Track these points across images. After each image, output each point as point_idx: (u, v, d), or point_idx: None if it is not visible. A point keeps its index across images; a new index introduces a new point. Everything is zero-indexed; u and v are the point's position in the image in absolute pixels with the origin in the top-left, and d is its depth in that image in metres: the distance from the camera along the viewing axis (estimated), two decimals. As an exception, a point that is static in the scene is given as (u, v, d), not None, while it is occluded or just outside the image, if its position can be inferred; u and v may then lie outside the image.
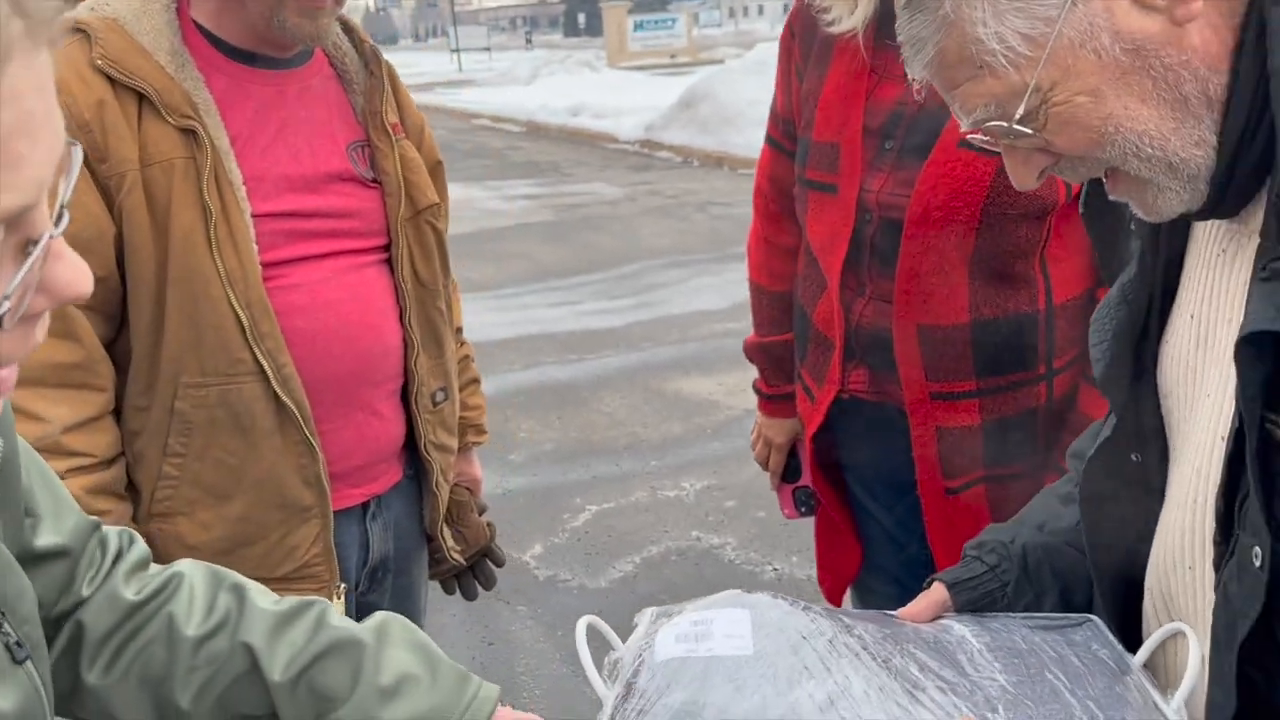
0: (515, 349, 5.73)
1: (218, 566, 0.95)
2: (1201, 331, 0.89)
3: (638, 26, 28.46)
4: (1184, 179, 0.80)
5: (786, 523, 2.02)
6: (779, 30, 1.79)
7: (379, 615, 0.94)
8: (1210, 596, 0.85)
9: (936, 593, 1.09)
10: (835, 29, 1.57)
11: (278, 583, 1.37)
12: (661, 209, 9.30)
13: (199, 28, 1.39)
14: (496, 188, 10.69)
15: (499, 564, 1.84)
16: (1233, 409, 0.80)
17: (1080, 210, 1.01)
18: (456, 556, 1.73)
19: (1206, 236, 0.89)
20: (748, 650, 0.86)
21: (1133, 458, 0.98)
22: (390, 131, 1.51)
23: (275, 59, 1.43)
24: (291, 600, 0.92)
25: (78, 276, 0.52)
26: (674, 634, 0.91)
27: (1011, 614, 1.06)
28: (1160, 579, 0.96)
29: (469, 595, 1.82)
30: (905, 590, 1.18)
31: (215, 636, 0.88)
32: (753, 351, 1.93)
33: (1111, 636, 0.99)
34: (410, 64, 25.95)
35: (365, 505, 1.55)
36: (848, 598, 1.92)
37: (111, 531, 0.92)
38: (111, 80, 1.29)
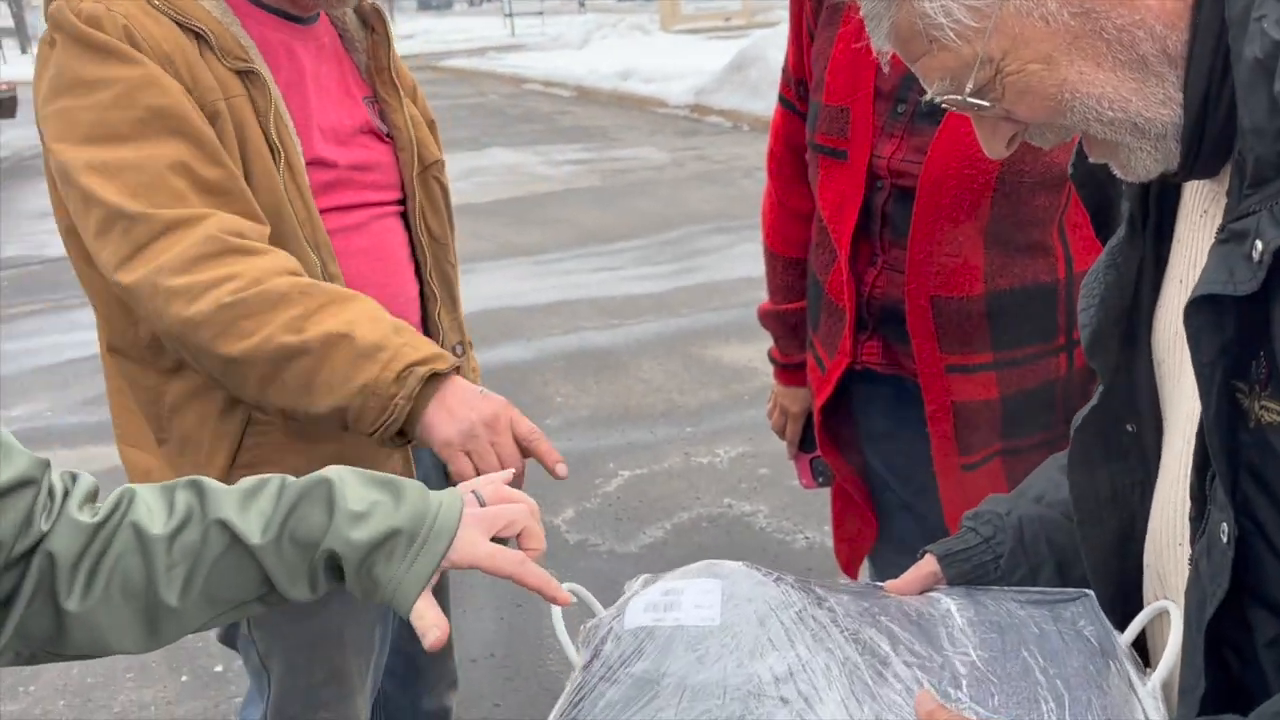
0: (556, 314, 5.73)
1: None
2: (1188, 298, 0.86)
3: (691, -11, 28.08)
4: (1152, 139, 0.78)
5: (819, 492, 2.01)
6: (837, -9, 1.74)
7: (332, 466, 0.97)
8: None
9: (926, 564, 1.08)
10: None
11: None
12: (708, 174, 9.22)
13: None
14: (544, 153, 10.67)
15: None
16: None
17: (1070, 173, 0.98)
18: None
19: (1193, 198, 0.86)
20: (714, 621, 0.86)
21: (1128, 428, 0.95)
22: (398, 86, 1.52)
23: (297, 17, 1.45)
24: (249, 479, 0.95)
25: None
26: (643, 603, 0.91)
27: (1006, 588, 1.04)
28: (1155, 556, 0.94)
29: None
30: (922, 562, 1.16)
31: (185, 529, 0.90)
32: (767, 319, 1.91)
33: (1102, 613, 0.97)
34: (464, 29, 25.95)
35: None
36: (865, 569, 1.90)
37: (55, 472, 0.93)
38: (174, 21, 1.31)
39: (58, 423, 4.69)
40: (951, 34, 0.77)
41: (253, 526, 0.90)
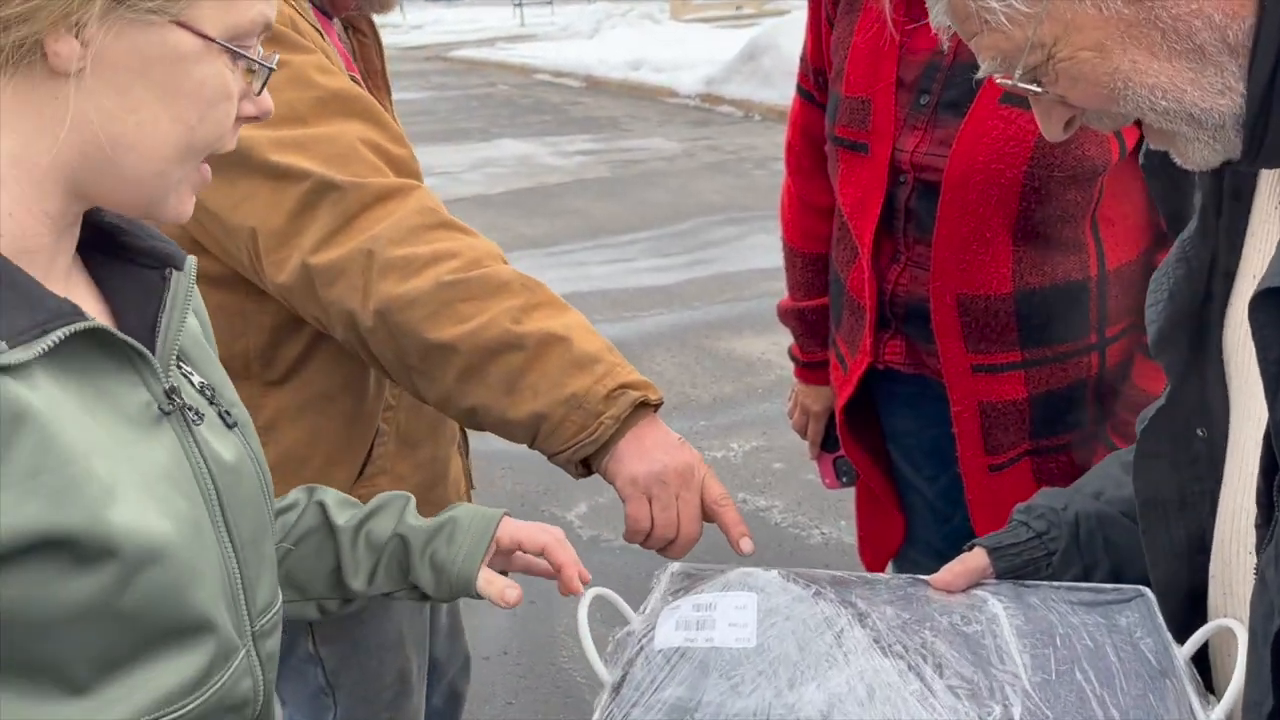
0: (567, 307, 5.70)
1: None
2: None
3: (701, -23, 27.96)
4: (1210, 129, 0.75)
5: (835, 487, 1.98)
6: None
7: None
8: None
9: (976, 558, 1.04)
10: None
11: None
12: (720, 165, 9.16)
13: None
14: (554, 143, 10.62)
15: None
16: None
17: (1140, 163, 0.94)
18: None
19: (1269, 189, 0.82)
20: (749, 643, 0.82)
21: (1199, 432, 0.92)
22: (390, 91, 1.49)
23: (329, 15, 1.41)
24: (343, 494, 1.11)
25: (271, 103, 0.79)
26: (675, 619, 0.87)
27: (1057, 584, 1.00)
28: (1222, 566, 0.90)
29: None
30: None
31: (288, 510, 1.05)
32: (787, 316, 1.87)
33: (1160, 620, 0.92)
34: (473, 19, 25.90)
35: None
36: (888, 571, 1.86)
37: None
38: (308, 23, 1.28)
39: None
40: (1003, 17, 0.76)
41: (341, 516, 1.06)
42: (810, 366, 1.85)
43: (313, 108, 1.20)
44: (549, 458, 1.20)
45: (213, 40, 0.71)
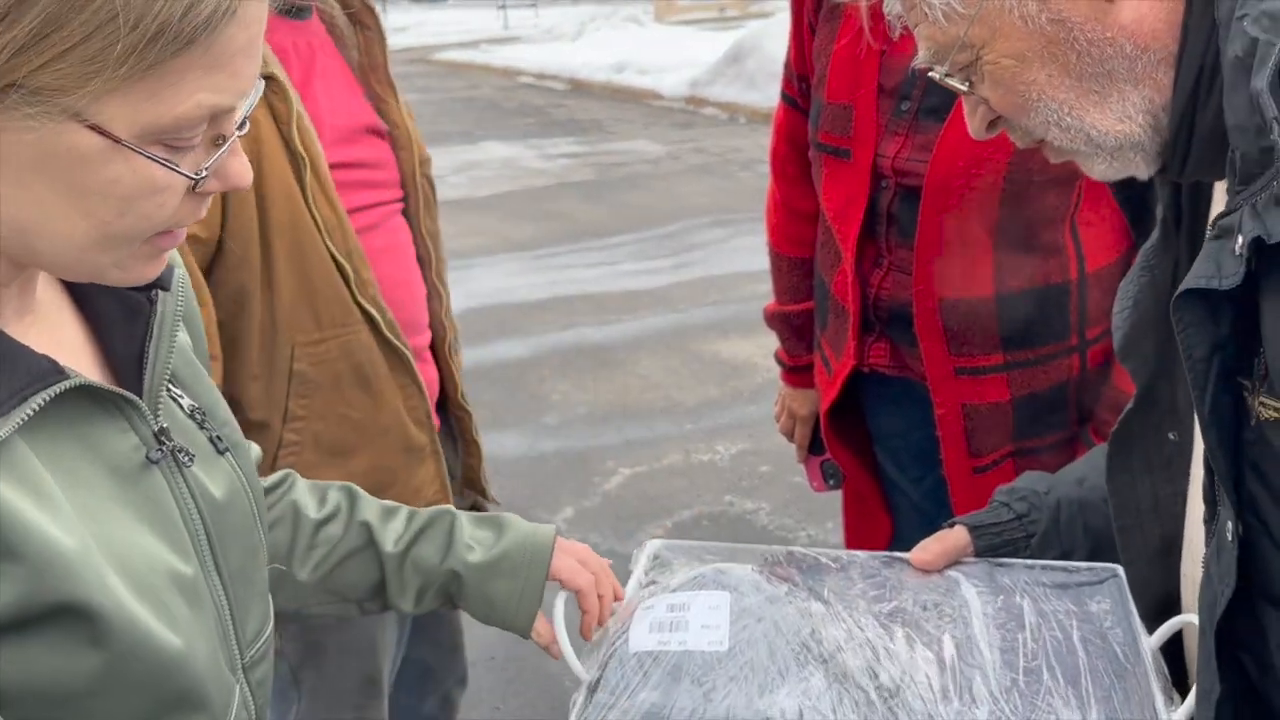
0: (552, 310, 5.69)
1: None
2: None
3: (685, -21, 27.98)
4: (1108, 150, 0.80)
5: (821, 489, 1.99)
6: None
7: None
8: None
9: (956, 536, 1.06)
10: None
11: None
12: (704, 167, 9.18)
13: None
14: (538, 146, 10.61)
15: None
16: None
17: None
18: (496, 501, 1.75)
19: (1224, 200, 0.84)
20: (722, 646, 0.83)
21: (1170, 436, 0.94)
22: (393, 83, 1.49)
23: (295, 8, 1.39)
24: (383, 503, 1.09)
25: (243, 171, 0.68)
26: (649, 621, 0.88)
27: (1031, 562, 1.02)
28: (1192, 564, 0.92)
29: None
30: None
31: (331, 521, 1.04)
32: (773, 320, 1.88)
33: (1131, 605, 0.94)
34: (457, 21, 25.88)
35: None
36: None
37: None
38: None
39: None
40: (940, 13, 0.81)
41: (388, 537, 1.04)
42: (797, 370, 1.87)
43: None
44: None
45: (119, 141, 0.61)
